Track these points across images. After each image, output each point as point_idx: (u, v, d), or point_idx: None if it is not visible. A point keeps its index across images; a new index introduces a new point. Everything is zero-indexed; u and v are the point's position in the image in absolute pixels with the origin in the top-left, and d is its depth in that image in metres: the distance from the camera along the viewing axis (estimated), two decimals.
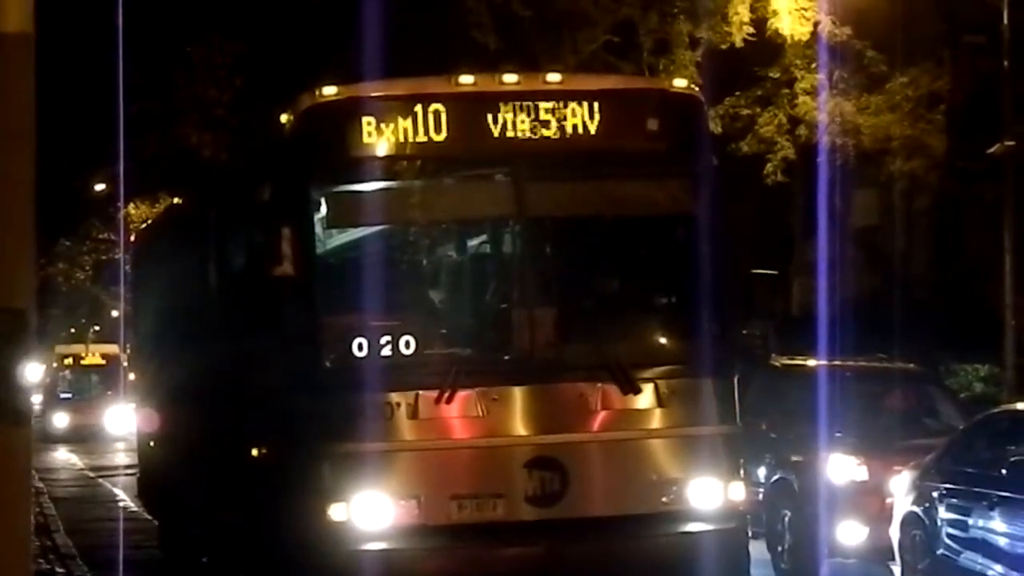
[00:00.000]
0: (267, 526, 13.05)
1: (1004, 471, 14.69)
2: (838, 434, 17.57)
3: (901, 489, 16.04)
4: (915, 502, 15.59)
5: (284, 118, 13.08)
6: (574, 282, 12.92)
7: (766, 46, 26.93)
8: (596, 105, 12.70)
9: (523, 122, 12.49)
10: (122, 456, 34.21)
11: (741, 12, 26.33)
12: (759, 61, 27.28)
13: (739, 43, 26.61)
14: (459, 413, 12.20)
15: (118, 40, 14.19)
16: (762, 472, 17.90)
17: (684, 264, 12.84)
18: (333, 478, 12.06)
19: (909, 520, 15.63)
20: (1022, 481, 14.41)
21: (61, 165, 33.46)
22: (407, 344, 12.33)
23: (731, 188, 16.08)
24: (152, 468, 19.77)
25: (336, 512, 12.01)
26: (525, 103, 12.55)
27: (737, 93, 27.00)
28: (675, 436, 12.57)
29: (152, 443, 19.44)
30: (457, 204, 12.96)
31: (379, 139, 12.34)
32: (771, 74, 27.29)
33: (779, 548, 17.68)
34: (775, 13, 26.35)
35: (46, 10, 6.45)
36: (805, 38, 26.31)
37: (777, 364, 20.65)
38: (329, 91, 12.70)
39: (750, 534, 13.50)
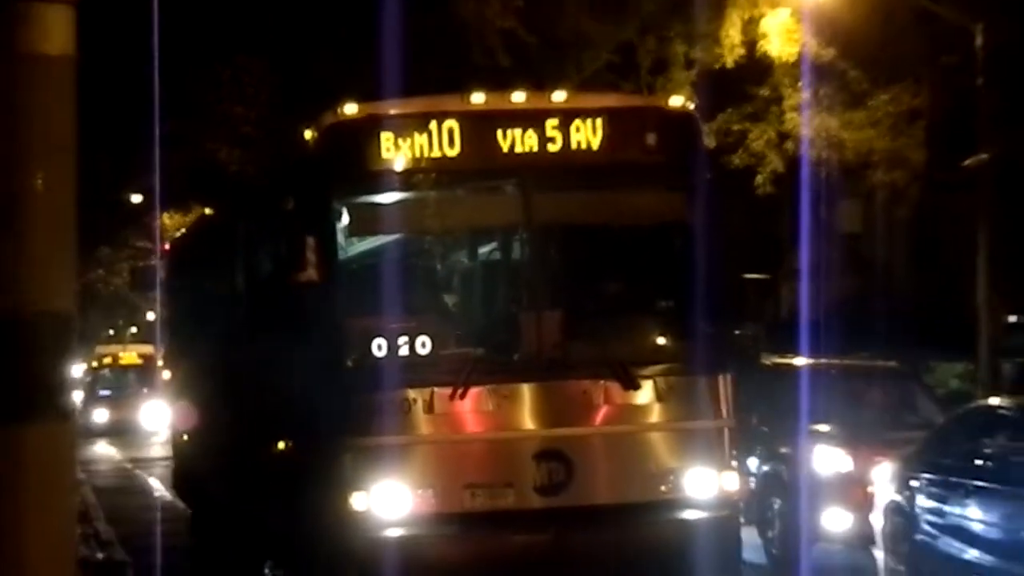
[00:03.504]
0: (292, 514, 13.07)
1: (979, 462, 14.71)
2: (824, 428, 17.61)
3: (883, 479, 16.06)
4: (896, 491, 15.61)
5: (308, 134, 13.08)
6: (578, 286, 12.93)
7: (756, 66, 26.93)
8: (598, 121, 12.70)
9: (530, 137, 12.50)
10: (157, 449, 34.24)
11: (732, 35, 26.33)
12: (750, 80, 27.27)
13: (731, 64, 26.62)
14: (471, 408, 12.20)
15: (153, 63, 14.24)
16: (753, 463, 17.93)
17: (681, 269, 12.81)
18: (354, 469, 12.06)
19: (890, 508, 15.66)
20: (996, 472, 14.43)
21: (101, 178, 33.49)
22: (423, 344, 12.33)
23: (724, 199, 16.05)
24: (185, 460, 19.79)
25: (357, 501, 12.01)
26: (532, 120, 12.55)
27: (729, 110, 26.99)
28: (673, 430, 12.56)
29: (185, 437, 19.46)
30: (469, 214, 12.99)
31: (396, 154, 12.34)
32: (761, 92, 27.28)
33: (769, 534, 17.70)
34: (764, 35, 26.36)
35: (87, 35, 6.46)
36: (792, 59, 26.29)
37: (767, 363, 20.64)
38: (350, 109, 12.70)
39: (743, 521, 13.51)
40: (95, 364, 50.54)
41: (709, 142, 16.95)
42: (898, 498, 15.48)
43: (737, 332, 17.90)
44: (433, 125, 12.36)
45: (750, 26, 26.35)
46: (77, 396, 25.94)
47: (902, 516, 15.37)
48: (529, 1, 27.69)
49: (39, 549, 6.03)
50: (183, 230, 26.82)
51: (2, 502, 6.01)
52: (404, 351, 12.27)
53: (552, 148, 12.50)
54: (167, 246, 26.42)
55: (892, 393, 19.57)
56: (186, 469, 19.63)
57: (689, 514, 12.50)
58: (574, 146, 12.54)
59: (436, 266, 13.39)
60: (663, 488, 12.47)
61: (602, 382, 12.38)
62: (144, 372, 46.53)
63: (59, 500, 6.19)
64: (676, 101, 14.99)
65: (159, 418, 35.23)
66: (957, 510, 14.64)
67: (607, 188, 12.66)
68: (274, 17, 32.71)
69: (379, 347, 12.23)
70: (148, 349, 48.61)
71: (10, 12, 6.06)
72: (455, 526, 12.10)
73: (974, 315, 24.96)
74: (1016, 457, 14.37)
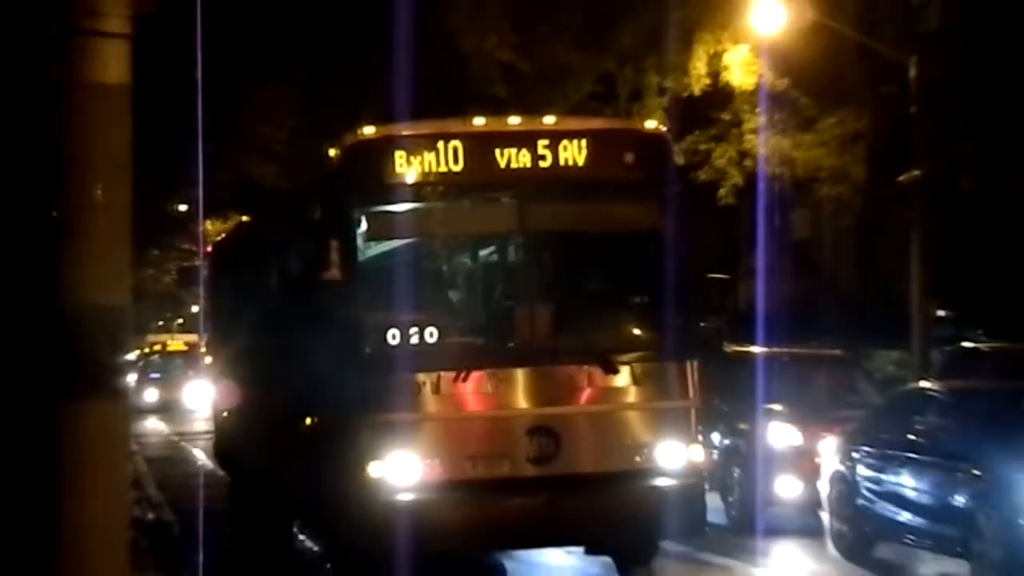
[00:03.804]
0: (317, 481, 13.03)
1: (911, 437, 14.70)
2: (777, 407, 17.60)
3: (828, 451, 16.03)
4: (840, 462, 15.58)
5: (332, 152, 13.05)
6: (565, 284, 12.87)
7: (719, 94, 26.89)
8: (583, 142, 12.67)
9: (524, 155, 12.46)
10: (200, 424, 34.16)
11: (699, 67, 26.30)
12: (714, 106, 27.23)
13: (697, 92, 26.57)
14: (473, 390, 12.16)
15: (197, 91, 14.23)
16: (716, 438, 17.89)
17: (653, 270, 12.78)
18: (371, 442, 12.03)
19: (835, 476, 15.63)
20: (926, 445, 14.41)
21: (151, 191, 33.42)
22: (431, 334, 12.29)
23: (691, 209, 16.00)
24: (225, 434, 19.73)
25: (374, 469, 11.98)
26: (526, 140, 12.52)
27: (696, 132, 26.92)
28: (646, 409, 12.52)
29: (225, 414, 19.41)
30: (471, 221, 12.93)
31: (408, 169, 12.30)
32: (723, 117, 27.23)
33: (730, 499, 17.67)
34: (727, 68, 26.33)
35: (140, 65, 6.44)
36: (751, 88, 26.26)
37: (728, 351, 20.63)
38: (368, 131, 12.69)
39: (707, 487, 13.48)
40: (146, 350, 50.46)
41: (678, 160, 16.87)
42: (842, 468, 15.47)
43: (702, 324, 17.94)
44: (440, 144, 12.33)
45: (714, 59, 26.34)
46: (131, 378, 25.93)
47: (845, 484, 15.36)
48: (523, 36, 27.68)
49: (99, 509, 6.02)
50: (223, 235, 26.78)
51: (67, 469, 6.01)
52: (415, 340, 12.23)
53: (543, 164, 12.47)
54: (209, 249, 26.39)
55: (836, 377, 19.56)
56: (225, 442, 19.59)
57: (661, 481, 12.45)
58: (562, 163, 12.51)
59: (442, 266, 13.34)
60: (638, 459, 12.43)
61: (586, 367, 12.34)
62: (189, 358, 46.43)
63: (115, 468, 6.19)
64: (650, 124, 15.04)
65: (201, 397, 35.15)
66: (892, 478, 14.63)
67: (590, 199, 12.60)
68: (301, 50, 32.72)
69: (393, 336, 12.20)
70: (192, 338, 48.61)
71: (73, 46, 6.05)
72: (459, 492, 12.06)
73: (907, 310, 24.97)
74: (943, 433, 14.35)
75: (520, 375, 12.26)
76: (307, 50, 32.62)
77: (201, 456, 27.05)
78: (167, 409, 43.77)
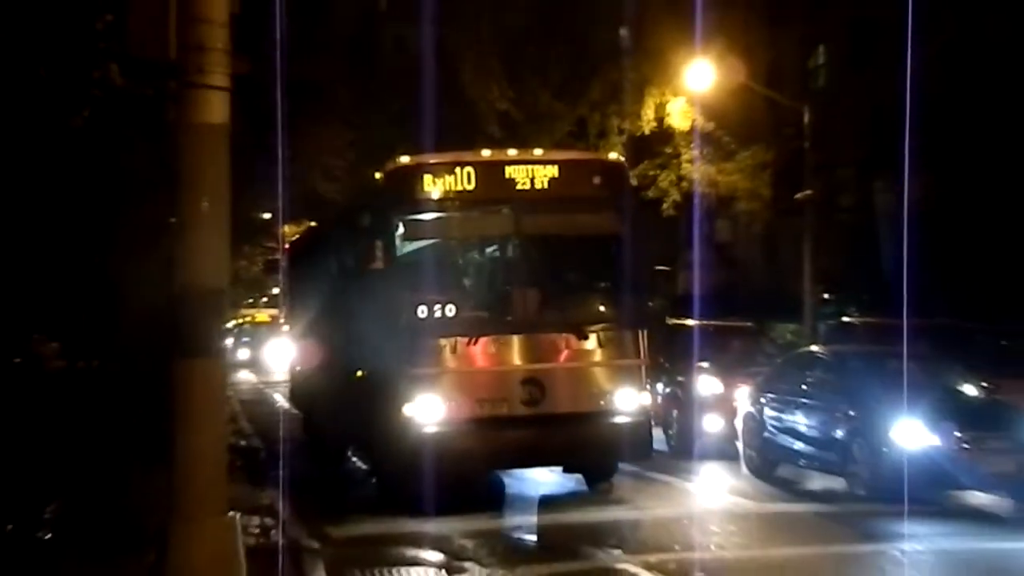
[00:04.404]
0: (367, 417, 13.03)
1: (803, 387, 14.68)
2: (705, 364, 17.58)
3: (742, 397, 16.01)
4: (751, 405, 15.56)
5: (377, 175, 13.05)
6: (549, 274, 12.82)
7: (663, 134, 26.79)
8: (563, 168, 12.70)
9: (519, 178, 12.46)
10: (279, 376, 34.11)
11: (648, 113, 26.22)
12: (659, 142, 27.15)
13: (647, 132, 26.50)
14: (480, 351, 12.16)
15: (278, 129, 14.23)
16: (660, 387, 17.86)
17: (614, 263, 12.79)
18: (406, 389, 12.04)
19: (747, 416, 15.62)
20: (813, 393, 14.38)
21: (243, 202, 33.37)
22: (450, 310, 12.30)
23: (642, 218, 15.99)
24: (298, 383, 19.72)
25: (408, 409, 12.00)
26: (521, 166, 12.54)
27: (646, 161, 26.81)
28: (608, 366, 12.53)
29: (298, 368, 19.40)
30: (479, 227, 12.90)
31: (434, 188, 12.30)
32: (666, 150, 27.14)
33: (670, 432, 17.63)
34: (669, 114, 26.25)
35: (236, 109, 6.44)
36: (687, 128, 26.17)
37: (669, 323, 20.59)
38: (403, 159, 12.69)
39: (653, 424, 13.49)
40: (240, 321, 50.23)
41: (633, 182, 16.86)
42: (752, 410, 15.47)
43: (650, 304, 17.96)
44: (457, 169, 12.35)
45: (660, 107, 26.28)
46: (228, 341, 25.90)
47: (755, 421, 15.36)
48: (517, 90, 27.66)
49: (205, 439, 6.04)
50: (297, 236, 26.70)
51: (182, 409, 6.02)
52: (438, 314, 12.23)
53: (533, 185, 12.48)
54: (286, 246, 26.33)
55: (748, 343, 19.49)
56: (298, 389, 19.58)
57: (619, 419, 12.49)
58: (547, 184, 12.52)
59: (458, 260, 13.32)
60: (602, 402, 12.46)
61: (564, 335, 12.37)
62: (270, 326, 46.24)
63: (216, 407, 6.21)
64: (612, 155, 15.05)
65: (280, 356, 35.05)
66: (790, 417, 14.62)
67: (568, 211, 12.58)
68: (355, 101, 32.71)
69: (422, 311, 12.20)
70: (273, 312, 48.40)
71: (187, 96, 6.05)
72: (470, 426, 12.07)
73: (801, 294, 24.94)
74: (827, 384, 14.30)
75: (515, 340, 12.28)
76: (359, 101, 32.75)
77: (280, 399, 27.03)
78: (254, 364, 43.65)
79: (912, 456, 12.26)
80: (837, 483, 13.57)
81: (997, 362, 16.24)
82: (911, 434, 12.45)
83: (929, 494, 12.13)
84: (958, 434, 12.45)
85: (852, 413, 13.38)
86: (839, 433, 13.46)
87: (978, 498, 12.88)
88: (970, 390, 14.03)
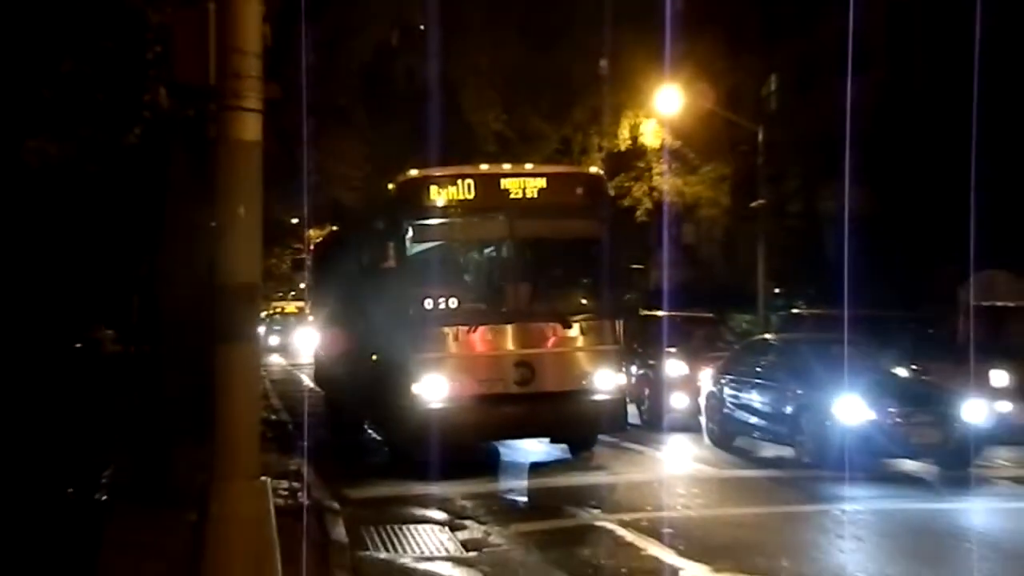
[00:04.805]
0: (380, 395, 13.03)
1: (758, 369, 14.69)
2: (672, 349, 17.59)
3: (705, 378, 16.01)
4: (712, 385, 15.56)
5: (390, 186, 13.02)
6: (538, 271, 12.83)
7: (637, 150, 26.89)
8: (551, 180, 12.70)
9: (514, 188, 12.46)
10: (305, 359, 34.08)
11: (624, 133, 26.32)
12: (634, 157, 27.21)
13: (623, 148, 26.58)
14: (479, 338, 12.17)
15: (303, 144, 14.27)
16: (634, 369, 17.87)
17: (596, 263, 12.80)
18: (415, 370, 12.03)
19: (709, 395, 15.62)
20: (767, 375, 14.38)
21: (274, 208, 33.33)
22: (452, 302, 12.30)
23: (619, 224, 16.01)
24: (322, 365, 19.70)
25: (416, 388, 12.00)
26: (514, 179, 12.53)
27: (622, 174, 26.87)
28: (590, 351, 12.53)
29: (322, 352, 19.38)
30: (478, 230, 12.88)
31: (439, 197, 12.28)
32: (640, 164, 27.22)
33: (642, 408, 17.63)
34: (642, 133, 26.36)
35: (268, 127, 6.43)
36: (657, 145, 26.28)
37: (642, 314, 20.61)
38: (412, 172, 12.67)
39: (628, 401, 13.50)
40: (271, 312, 50.14)
41: (611, 192, 16.86)
42: (714, 389, 15.48)
43: (626, 297, 18.00)
44: (459, 181, 12.33)
45: (634, 128, 26.38)
46: (261, 329, 26.00)
47: (715, 399, 15.37)
48: (510, 112, 27.70)
49: (241, 413, 6.04)
50: (320, 238, 26.69)
51: (222, 387, 6.01)
52: (442, 306, 12.24)
53: (525, 194, 12.47)
54: (311, 247, 26.32)
55: (710, 331, 19.48)
56: (322, 370, 19.55)
57: (598, 396, 12.50)
58: (537, 194, 12.51)
59: (460, 260, 13.31)
60: (584, 382, 12.46)
61: (551, 324, 12.37)
62: (298, 317, 46.18)
63: (251, 386, 6.20)
64: (593, 169, 15.03)
65: (305, 342, 35.04)
66: (746, 396, 14.63)
67: (555, 217, 12.57)
68: (371, 120, 32.69)
69: (428, 304, 12.20)
70: (301, 304, 48.39)
71: (225, 117, 6.04)
72: (471, 402, 12.07)
73: (755, 289, 24.97)
74: (778, 367, 14.32)
75: (509, 329, 12.28)
76: (374, 121, 32.76)
77: (306, 379, 27.00)
78: (284, 349, 43.56)
79: (851, 429, 12.31)
80: (786, 452, 13.57)
81: (924, 348, 16.34)
82: (851, 410, 12.47)
83: (866, 462, 12.19)
84: (892, 410, 12.49)
85: (800, 392, 13.39)
86: (788, 409, 13.47)
87: (908, 465, 12.92)
88: (901, 372, 14.16)
